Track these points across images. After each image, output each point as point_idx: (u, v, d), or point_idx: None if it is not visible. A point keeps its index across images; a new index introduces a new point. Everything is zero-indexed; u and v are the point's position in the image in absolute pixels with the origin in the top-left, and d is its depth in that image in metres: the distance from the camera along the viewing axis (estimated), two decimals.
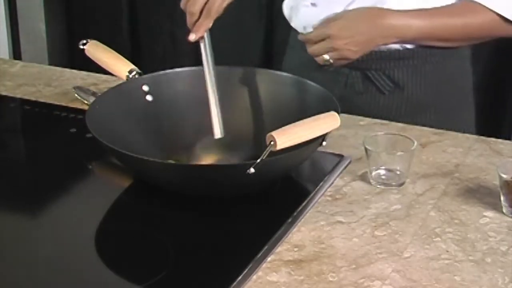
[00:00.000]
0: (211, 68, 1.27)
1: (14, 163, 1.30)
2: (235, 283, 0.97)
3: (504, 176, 1.12)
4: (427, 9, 1.39)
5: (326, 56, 1.36)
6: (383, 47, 1.42)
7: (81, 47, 1.38)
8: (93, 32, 2.58)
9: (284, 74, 1.34)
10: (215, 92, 1.26)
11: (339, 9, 1.41)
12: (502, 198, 1.13)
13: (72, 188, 1.21)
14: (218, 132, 1.25)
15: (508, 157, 1.27)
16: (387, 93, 1.45)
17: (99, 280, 1.00)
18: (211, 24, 1.28)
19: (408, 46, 1.43)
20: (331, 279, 1.00)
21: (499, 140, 1.34)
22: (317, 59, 1.37)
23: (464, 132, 1.39)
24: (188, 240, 1.07)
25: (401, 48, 1.43)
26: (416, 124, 1.41)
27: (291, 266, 1.02)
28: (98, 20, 2.77)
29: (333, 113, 1.14)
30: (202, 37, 1.28)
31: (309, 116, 1.12)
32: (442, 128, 1.39)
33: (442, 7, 1.40)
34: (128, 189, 1.20)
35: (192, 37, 1.27)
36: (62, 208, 1.16)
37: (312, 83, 1.30)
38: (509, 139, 1.60)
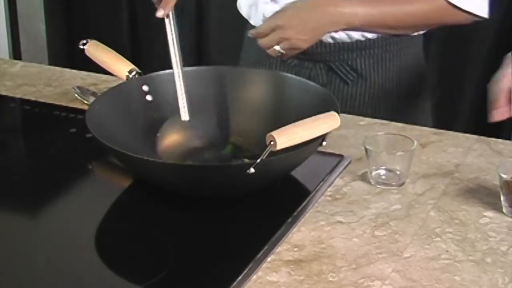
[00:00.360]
0: (176, 47, 1.27)
1: (14, 163, 1.30)
2: (235, 283, 0.97)
3: (504, 176, 1.12)
4: None
5: (277, 47, 1.38)
6: (345, 39, 1.46)
7: (81, 47, 1.38)
8: (93, 32, 2.59)
9: (284, 74, 1.34)
10: (180, 74, 1.26)
11: None
12: (502, 198, 1.13)
13: (72, 188, 1.21)
14: (184, 115, 1.25)
15: (508, 157, 1.27)
16: (351, 83, 1.48)
17: (99, 280, 1.00)
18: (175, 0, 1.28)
19: (369, 36, 1.47)
20: (331, 279, 1.00)
21: (499, 140, 1.34)
22: (269, 51, 1.39)
23: (422, 119, 1.43)
24: (188, 240, 1.07)
25: (362, 39, 1.47)
26: (379, 112, 1.46)
27: (291, 266, 1.02)
28: (98, 20, 2.77)
29: (333, 113, 1.14)
30: (168, 15, 1.27)
31: (309, 116, 1.12)
32: (402, 116, 1.44)
33: None
34: (128, 189, 1.20)
35: (160, 13, 1.26)
36: (62, 208, 1.16)
37: (312, 83, 1.30)
38: (509, 139, 1.60)
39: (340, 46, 1.47)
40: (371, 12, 1.40)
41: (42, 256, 1.03)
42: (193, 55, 2.56)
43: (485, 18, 1.47)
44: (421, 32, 1.54)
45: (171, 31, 1.27)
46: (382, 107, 1.51)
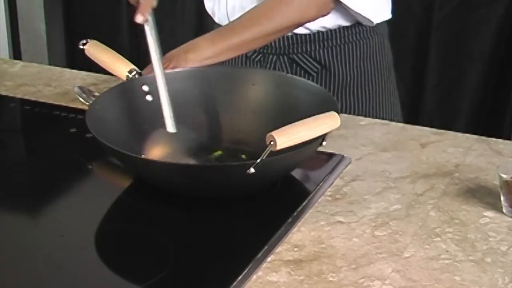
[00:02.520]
0: (157, 55, 1.25)
1: (14, 163, 1.30)
2: (235, 283, 0.97)
3: (504, 176, 1.12)
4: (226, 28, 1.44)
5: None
6: (305, 31, 1.49)
7: (81, 47, 1.38)
8: (93, 32, 2.59)
9: (284, 74, 1.35)
10: (163, 82, 1.23)
11: None
12: (502, 198, 1.13)
13: (72, 188, 1.21)
14: (170, 126, 1.22)
15: (508, 157, 1.27)
16: (315, 75, 1.49)
17: (99, 280, 1.00)
18: (155, 3, 1.26)
19: (329, 26, 1.49)
20: (331, 279, 1.00)
21: (499, 140, 1.34)
22: None
23: (389, 109, 1.46)
24: (188, 240, 1.07)
25: (323, 30, 1.49)
26: (345, 102, 1.50)
27: (291, 266, 1.02)
28: (98, 20, 2.77)
29: (333, 113, 1.14)
30: (147, 20, 1.25)
31: (309, 116, 1.12)
32: (368, 105, 1.49)
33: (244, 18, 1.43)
34: (128, 189, 1.20)
35: (139, 18, 1.24)
36: (62, 208, 1.16)
37: (313, 83, 1.30)
38: (509, 139, 1.60)
39: (301, 38, 1.50)
40: (220, 41, 1.40)
41: (42, 256, 1.03)
42: None
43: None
44: (385, 19, 1.55)
45: (152, 37, 1.25)
46: (347, 97, 1.53)
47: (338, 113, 1.15)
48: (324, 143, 1.15)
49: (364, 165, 1.25)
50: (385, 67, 1.59)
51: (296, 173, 1.20)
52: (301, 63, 1.51)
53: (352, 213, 1.13)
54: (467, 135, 1.36)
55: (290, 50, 1.51)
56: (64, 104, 1.46)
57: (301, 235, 1.08)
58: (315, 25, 1.48)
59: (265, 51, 1.51)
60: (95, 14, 2.78)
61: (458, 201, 1.16)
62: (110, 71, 1.35)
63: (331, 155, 1.26)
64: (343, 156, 1.27)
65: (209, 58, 1.38)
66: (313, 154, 1.19)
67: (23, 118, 1.48)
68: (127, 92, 1.29)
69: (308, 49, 1.50)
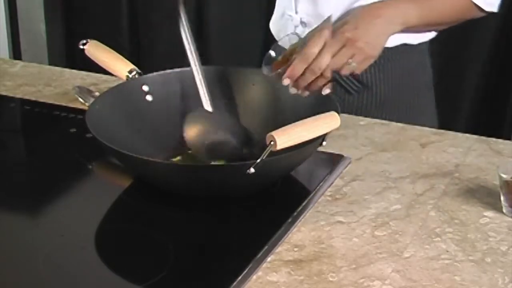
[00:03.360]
0: (191, 43, 1.26)
1: (14, 163, 1.30)
2: (235, 283, 0.97)
3: (504, 176, 1.12)
4: None
5: (350, 60, 1.34)
6: None
7: (81, 47, 1.38)
8: (93, 32, 2.59)
9: None
10: (198, 66, 1.26)
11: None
12: (502, 198, 1.13)
13: (72, 188, 1.21)
14: (207, 105, 1.25)
15: (508, 157, 1.28)
16: (355, 94, 1.46)
17: (99, 280, 1.00)
18: None
19: None
20: (331, 279, 1.00)
21: (499, 140, 1.34)
22: (342, 70, 1.34)
23: (427, 123, 1.44)
24: (188, 240, 1.07)
25: None
26: (384, 119, 1.45)
27: (291, 266, 1.02)
28: (98, 20, 2.77)
29: (333, 113, 1.14)
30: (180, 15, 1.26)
31: (309, 116, 1.12)
32: (407, 121, 1.43)
33: None
34: (128, 189, 1.20)
35: None
36: (62, 208, 1.16)
37: None
38: (509, 139, 1.60)
39: None
40: (422, 10, 1.39)
41: (42, 256, 1.03)
42: None
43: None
44: (427, 39, 1.53)
45: (185, 30, 1.25)
46: (386, 115, 1.48)
47: (338, 113, 1.15)
48: (324, 143, 1.15)
49: (364, 165, 1.25)
50: (424, 85, 1.55)
51: (296, 173, 1.20)
52: (341, 81, 1.44)
53: (352, 213, 1.13)
54: (467, 135, 1.37)
55: None
56: (64, 104, 1.46)
57: (301, 235, 1.08)
58: None
59: None
60: (95, 14, 2.78)
61: (458, 201, 1.16)
62: (110, 71, 1.35)
63: (331, 155, 1.26)
64: (343, 156, 1.27)
65: (410, 26, 1.37)
66: (313, 154, 1.19)
67: (23, 118, 1.48)
68: (127, 92, 1.29)
69: None
